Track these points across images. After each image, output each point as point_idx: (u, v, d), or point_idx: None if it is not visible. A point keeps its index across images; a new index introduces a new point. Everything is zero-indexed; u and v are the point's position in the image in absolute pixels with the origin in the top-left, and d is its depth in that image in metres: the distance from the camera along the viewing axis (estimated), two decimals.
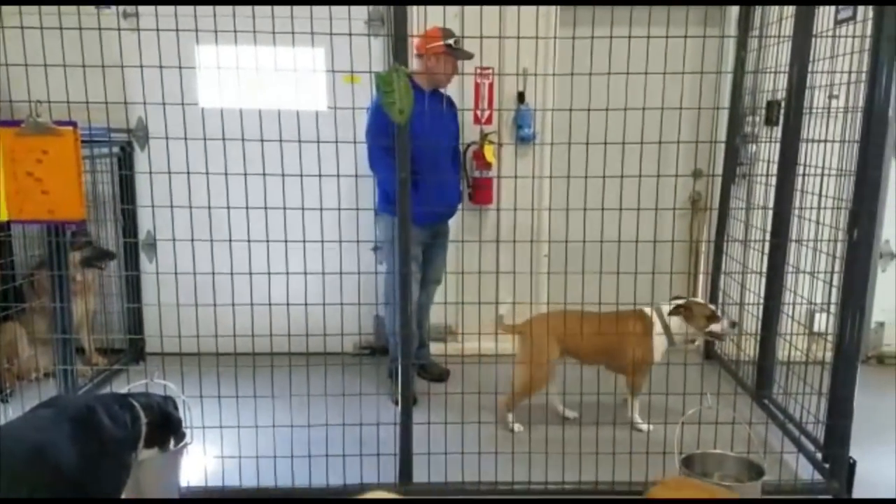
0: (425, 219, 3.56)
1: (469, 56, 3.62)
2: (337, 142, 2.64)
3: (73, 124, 2.49)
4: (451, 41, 3.51)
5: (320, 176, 2.69)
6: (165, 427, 2.35)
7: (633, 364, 3.27)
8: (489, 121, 4.23)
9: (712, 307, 3.43)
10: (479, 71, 4.06)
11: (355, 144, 2.84)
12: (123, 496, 2.26)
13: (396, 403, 3.73)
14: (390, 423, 2.77)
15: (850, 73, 2.94)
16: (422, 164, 3.36)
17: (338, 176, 2.67)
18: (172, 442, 2.44)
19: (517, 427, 3.35)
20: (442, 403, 2.74)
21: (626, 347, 3.26)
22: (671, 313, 3.32)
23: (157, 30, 2.51)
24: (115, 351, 4.26)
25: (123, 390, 2.42)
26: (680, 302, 3.37)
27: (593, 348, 3.31)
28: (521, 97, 4.18)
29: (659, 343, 3.33)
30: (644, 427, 3.35)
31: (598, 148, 2.57)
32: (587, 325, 3.14)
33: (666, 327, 3.34)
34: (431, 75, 3.59)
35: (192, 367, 2.70)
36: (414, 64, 3.53)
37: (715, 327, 3.35)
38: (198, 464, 2.83)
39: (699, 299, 3.53)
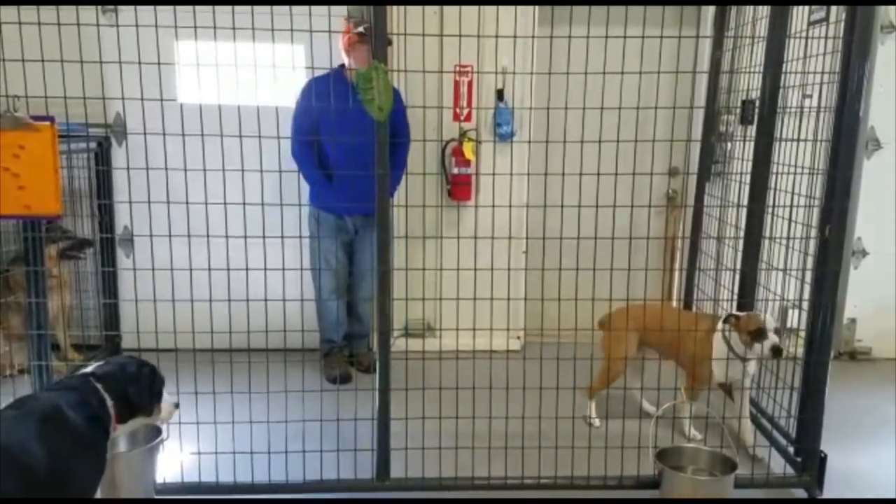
0: (342, 211, 3.78)
1: (386, 42, 3.63)
2: (316, 139, 2.64)
3: (51, 119, 2.47)
4: (360, 29, 3.58)
5: (299, 172, 2.69)
6: (126, 398, 2.26)
7: (693, 363, 3.18)
8: (468, 118, 4.25)
9: (764, 324, 3.04)
10: (458, 69, 4.07)
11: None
12: (99, 493, 2.25)
13: (332, 381, 3.81)
14: (367, 419, 2.78)
15: (822, 73, 2.99)
16: (337, 158, 3.62)
17: None
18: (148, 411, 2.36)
19: (596, 422, 3.43)
20: (419, 399, 2.76)
21: (688, 345, 3.20)
22: (724, 320, 3.20)
23: (137, 25, 2.50)
24: (90, 347, 4.23)
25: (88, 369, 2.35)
26: (738, 312, 3.24)
27: (664, 343, 3.34)
28: (499, 95, 4.20)
29: (718, 346, 3.20)
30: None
31: (576, 146, 2.59)
32: (660, 321, 3.17)
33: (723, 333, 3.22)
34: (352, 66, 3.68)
35: (168, 364, 2.69)
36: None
37: (756, 346, 3.05)
38: (174, 460, 2.82)
39: (763, 314, 3.15)
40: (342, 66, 3.75)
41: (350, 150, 3.33)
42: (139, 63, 2.51)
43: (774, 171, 3.33)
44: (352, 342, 4.24)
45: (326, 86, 3.45)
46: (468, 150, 4.15)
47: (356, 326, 4.22)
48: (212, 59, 2.65)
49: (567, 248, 2.69)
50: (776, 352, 3.00)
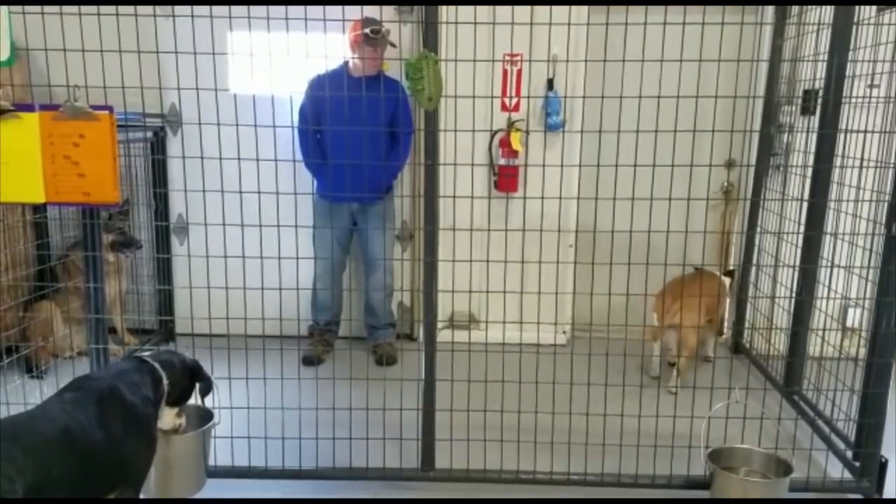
0: (336, 198, 3.89)
1: (387, 43, 3.77)
2: (366, 128, 2.64)
3: (110, 109, 2.52)
4: (367, 30, 3.67)
5: (349, 163, 2.70)
6: (188, 381, 2.41)
7: None
8: (517, 108, 4.20)
9: None
10: (507, 57, 4.02)
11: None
12: (152, 474, 2.32)
13: (304, 363, 3.80)
14: (413, 409, 2.79)
15: (892, 62, 2.85)
16: (333, 148, 3.85)
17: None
18: (199, 392, 2.47)
19: None
20: (465, 391, 2.75)
21: None
22: None
23: (192, 16, 2.53)
24: (145, 331, 4.35)
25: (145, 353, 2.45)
26: None
27: None
28: (550, 84, 4.14)
29: None
30: None
31: (629, 136, 2.53)
32: None
33: None
34: (355, 62, 3.81)
35: (220, 349, 2.74)
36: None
37: None
38: (225, 443, 2.88)
39: None
40: (346, 63, 3.86)
41: (350, 142, 3.49)
42: (194, 53, 2.55)
43: (838, 164, 3.20)
44: (371, 334, 4.24)
45: (332, 81, 3.69)
46: (516, 140, 4.11)
47: (370, 318, 4.23)
48: (264, 49, 2.67)
49: (618, 242, 2.63)
50: None
